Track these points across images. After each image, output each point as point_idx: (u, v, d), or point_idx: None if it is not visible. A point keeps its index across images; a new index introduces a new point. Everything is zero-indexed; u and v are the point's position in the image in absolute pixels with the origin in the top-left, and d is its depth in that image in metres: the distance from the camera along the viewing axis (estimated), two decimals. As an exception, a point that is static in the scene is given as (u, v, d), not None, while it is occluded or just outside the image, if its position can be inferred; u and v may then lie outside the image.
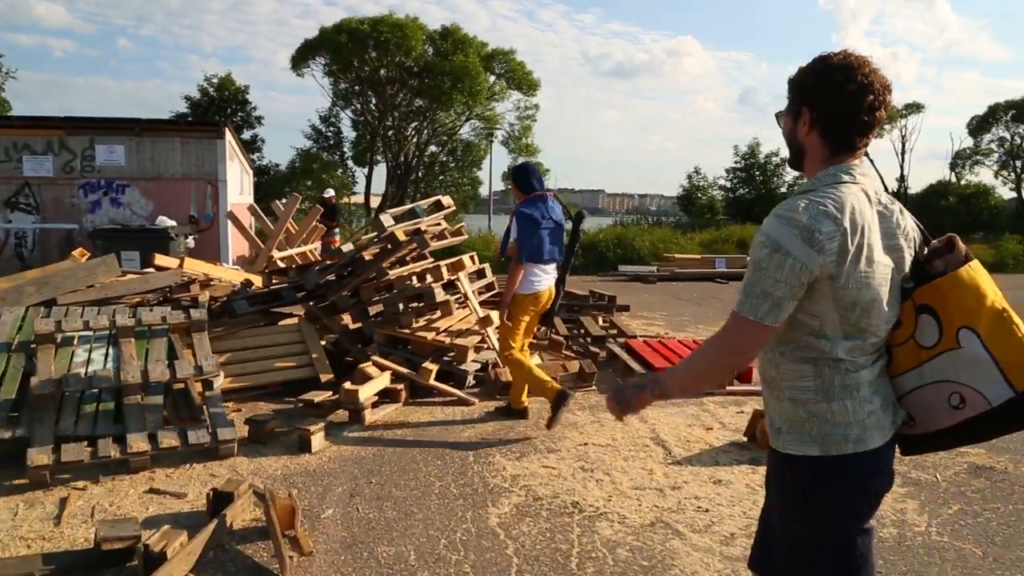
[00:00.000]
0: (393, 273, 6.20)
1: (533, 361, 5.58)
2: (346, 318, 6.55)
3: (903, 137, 28.65)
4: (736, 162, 27.64)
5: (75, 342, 4.87)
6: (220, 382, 4.89)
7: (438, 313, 6.35)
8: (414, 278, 6.37)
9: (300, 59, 21.65)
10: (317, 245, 13.63)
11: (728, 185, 27.80)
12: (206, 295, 6.28)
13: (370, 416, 5.23)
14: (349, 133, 23.52)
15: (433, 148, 23.33)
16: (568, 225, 5.43)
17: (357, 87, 21.83)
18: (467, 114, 21.39)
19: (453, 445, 4.82)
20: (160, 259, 6.91)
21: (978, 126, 29.47)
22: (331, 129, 23.25)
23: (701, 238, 19.66)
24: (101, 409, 4.45)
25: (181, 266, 6.89)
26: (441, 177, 23.74)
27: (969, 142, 30.52)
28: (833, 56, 1.68)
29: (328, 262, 6.90)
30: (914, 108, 27.83)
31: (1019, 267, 19.86)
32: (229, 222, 11.48)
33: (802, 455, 1.71)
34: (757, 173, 26.87)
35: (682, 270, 16.54)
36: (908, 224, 1.76)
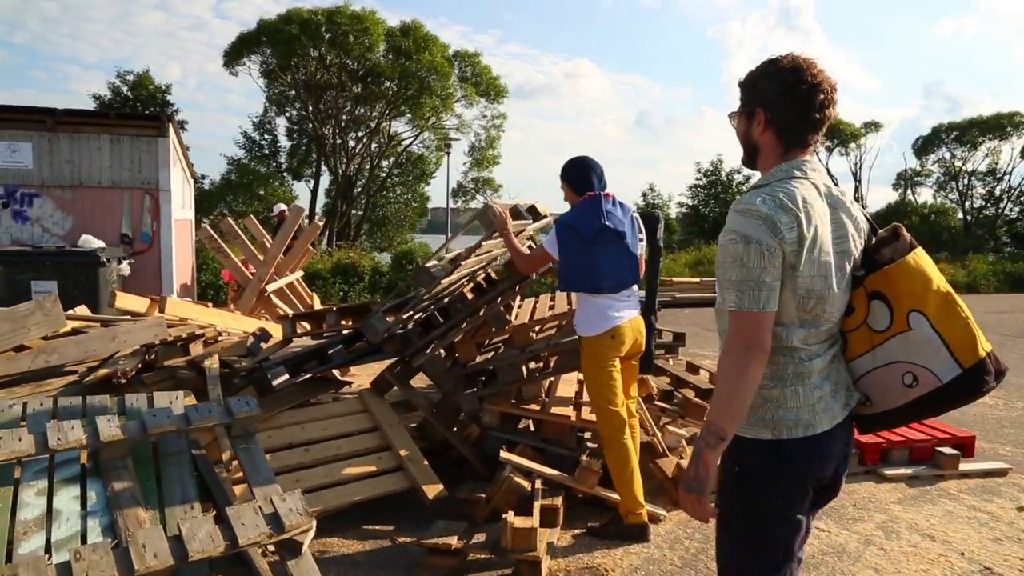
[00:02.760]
0: (516, 320, 4.06)
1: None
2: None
3: (860, 156, 28.50)
4: (698, 179, 26.67)
5: (15, 476, 2.50)
6: (310, 538, 2.62)
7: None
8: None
9: (235, 55, 18.69)
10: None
11: (690, 202, 26.75)
12: (215, 359, 3.90)
13: (546, 565, 3.09)
14: (285, 143, 20.79)
15: (370, 161, 20.92)
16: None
17: (293, 92, 19.20)
18: (424, 123, 19.06)
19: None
20: (124, 299, 4.45)
21: (922, 147, 29.78)
22: (266, 137, 20.34)
23: (686, 259, 18.20)
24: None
25: (160, 310, 4.44)
26: (386, 193, 21.21)
27: (913, 162, 30.89)
28: (783, 59, 1.76)
29: (387, 302, 4.68)
30: (872, 127, 27.75)
31: (991, 287, 19.56)
32: (174, 243, 8.90)
33: (754, 438, 1.75)
34: (719, 190, 25.91)
35: (683, 295, 15.02)
36: (858, 215, 1.83)
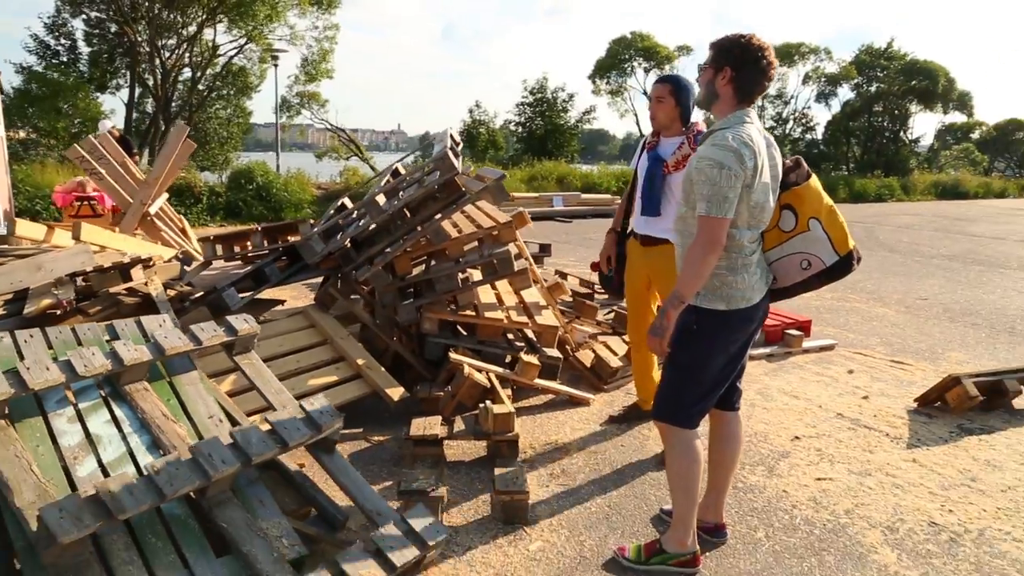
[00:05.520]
0: (456, 237, 4.36)
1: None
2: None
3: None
4: (524, 96, 27.11)
5: (39, 408, 2.50)
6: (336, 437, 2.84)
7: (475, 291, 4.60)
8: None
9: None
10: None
11: (517, 119, 27.24)
12: (156, 282, 3.81)
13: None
14: (85, 49, 18.19)
15: (188, 72, 19.08)
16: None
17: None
18: (257, 32, 17.54)
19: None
20: (24, 226, 4.09)
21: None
22: (63, 42, 17.64)
23: (520, 175, 18.83)
24: (180, 535, 2.28)
25: (75, 237, 4.16)
26: (207, 108, 19.52)
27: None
28: (753, 37, 2.36)
29: (315, 222, 4.76)
30: (684, 50, 29.47)
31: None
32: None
33: (712, 308, 2.43)
34: (545, 107, 26.59)
35: (527, 209, 15.71)
36: (776, 151, 2.47)
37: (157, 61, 17.45)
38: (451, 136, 4.93)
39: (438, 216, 4.33)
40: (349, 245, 4.40)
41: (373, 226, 4.27)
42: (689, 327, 2.43)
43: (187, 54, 18.20)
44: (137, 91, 17.76)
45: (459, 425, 3.55)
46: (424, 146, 11.98)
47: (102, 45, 18.38)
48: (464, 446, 3.63)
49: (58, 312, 3.56)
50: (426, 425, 3.49)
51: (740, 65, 2.35)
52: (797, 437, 3.92)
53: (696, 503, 2.58)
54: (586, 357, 4.81)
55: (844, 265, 2.52)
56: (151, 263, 4.00)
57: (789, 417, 4.23)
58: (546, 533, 2.86)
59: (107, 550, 2.15)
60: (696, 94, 3.49)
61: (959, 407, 4.31)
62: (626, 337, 5.31)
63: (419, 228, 4.27)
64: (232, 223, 13.19)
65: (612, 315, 5.95)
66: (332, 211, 4.91)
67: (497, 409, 3.45)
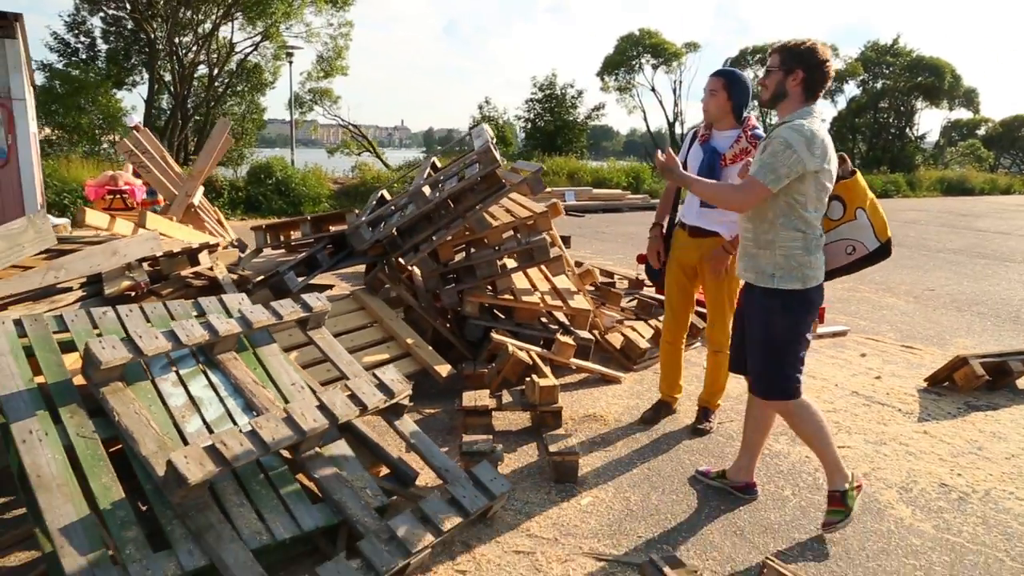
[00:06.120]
0: (497, 225, 4.65)
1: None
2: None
3: (680, 75, 30.50)
4: (533, 93, 27.36)
5: (146, 373, 2.80)
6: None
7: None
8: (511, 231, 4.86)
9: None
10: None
11: (528, 116, 27.47)
12: (221, 266, 4.11)
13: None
14: (103, 47, 18.47)
15: (203, 69, 19.40)
16: None
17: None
18: (274, 29, 17.80)
19: (685, 439, 3.69)
20: (92, 215, 4.40)
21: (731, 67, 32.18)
22: (82, 40, 17.94)
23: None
24: (279, 484, 2.59)
25: (141, 224, 4.47)
26: (225, 104, 19.82)
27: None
28: (818, 43, 2.69)
29: (364, 213, 5.05)
30: (692, 47, 29.68)
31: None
32: (34, 159, 8.25)
33: (790, 288, 2.71)
34: (554, 104, 26.84)
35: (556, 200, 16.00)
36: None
37: (175, 58, 17.73)
38: (487, 131, 5.21)
39: (479, 206, 4.62)
40: (395, 233, 4.69)
41: (417, 215, 4.56)
42: (775, 310, 2.74)
43: (203, 51, 18.47)
44: (154, 87, 18.04)
45: (505, 399, 3.85)
46: (456, 142, 12.36)
47: (119, 42, 18.67)
48: (510, 417, 3.93)
49: (135, 293, 3.86)
50: (476, 398, 3.79)
51: (809, 67, 2.66)
52: (816, 412, 4.21)
53: (834, 447, 2.90)
54: (615, 339, 5.10)
55: (884, 250, 2.84)
56: (215, 248, 4.30)
57: (808, 394, 4.47)
58: (594, 491, 3.16)
59: (220, 495, 2.45)
60: (750, 92, 3.66)
61: (966, 386, 4.59)
62: (652, 321, 5.61)
63: (463, 217, 4.56)
64: (253, 217, 13.49)
65: (635, 302, 6.24)
66: (375, 202, 5.20)
67: (543, 382, 3.75)
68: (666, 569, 2.29)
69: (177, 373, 2.86)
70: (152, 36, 17.46)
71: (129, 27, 18.14)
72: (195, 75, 18.86)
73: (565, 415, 3.97)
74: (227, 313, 3.28)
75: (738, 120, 3.57)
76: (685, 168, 3.71)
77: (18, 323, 2.77)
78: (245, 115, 20.30)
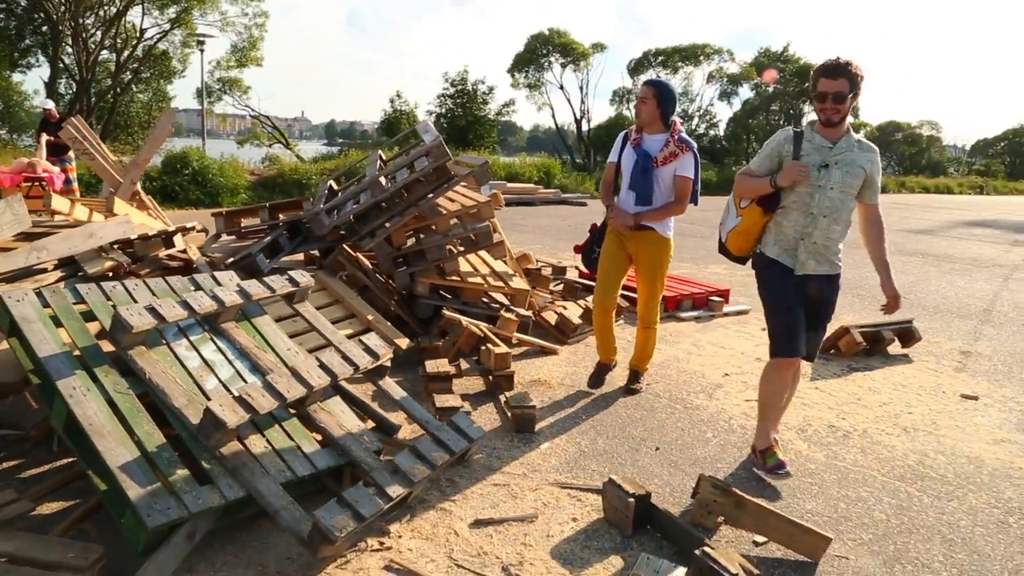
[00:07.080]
0: (446, 212, 5.11)
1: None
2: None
3: (587, 74, 31.54)
4: (445, 88, 27.71)
5: (163, 338, 3.12)
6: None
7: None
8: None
9: None
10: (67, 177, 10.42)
11: (440, 111, 27.77)
12: (194, 249, 4.37)
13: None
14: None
15: (106, 54, 18.65)
16: None
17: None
18: (188, 16, 17.33)
19: (627, 396, 4.31)
20: (58, 200, 4.52)
21: (635, 68, 33.98)
22: None
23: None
24: (291, 433, 2.98)
25: (109, 209, 4.63)
26: (130, 92, 19.07)
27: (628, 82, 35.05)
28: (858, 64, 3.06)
29: (322, 201, 5.40)
30: (598, 47, 30.79)
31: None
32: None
33: (837, 273, 3.33)
34: (466, 99, 27.25)
35: (496, 191, 16.44)
36: None
37: (80, 41, 17.05)
38: (432, 126, 5.66)
39: (430, 195, 5.07)
40: (352, 220, 5.07)
41: (372, 203, 4.97)
42: (838, 287, 3.36)
43: (109, 35, 17.84)
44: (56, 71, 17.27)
45: (463, 366, 4.33)
46: (404, 135, 12.97)
47: (11, 20, 17.76)
48: (467, 383, 4.41)
49: (115, 273, 4.09)
50: (438, 365, 4.25)
51: (860, 90, 3.09)
52: (727, 374, 4.93)
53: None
54: (550, 317, 5.67)
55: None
56: (189, 232, 4.56)
57: (719, 360, 5.23)
58: (550, 439, 3.70)
59: (246, 441, 2.83)
60: (676, 100, 4.12)
61: (848, 351, 5.44)
62: (580, 302, 6.22)
63: (415, 206, 5.00)
64: (169, 207, 13.29)
65: (562, 286, 6.85)
66: (326, 191, 5.55)
67: (497, 350, 4.26)
68: (624, 485, 2.85)
69: (188, 339, 3.19)
70: (54, 17, 16.74)
71: (23, 3, 17.31)
72: (99, 60, 18.19)
73: (515, 380, 4.50)
74: (246, 284, 3.61)
75: (666, 125, 4.02)
76: (619, 169, 4.16)
77: (39, 294, 3.03)
78: (151, 103, 19.72)
